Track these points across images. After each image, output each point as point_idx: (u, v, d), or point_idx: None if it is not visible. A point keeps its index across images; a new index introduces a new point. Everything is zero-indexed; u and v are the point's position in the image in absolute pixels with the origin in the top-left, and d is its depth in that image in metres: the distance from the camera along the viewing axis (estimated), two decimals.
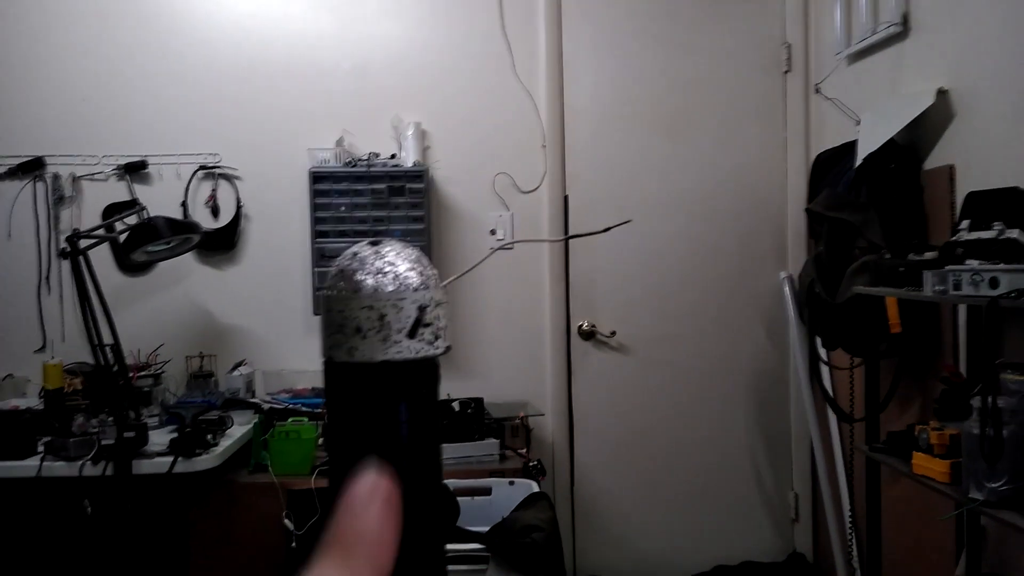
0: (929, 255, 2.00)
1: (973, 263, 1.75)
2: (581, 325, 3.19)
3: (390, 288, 0.71)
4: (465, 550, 2.09)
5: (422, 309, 0.71)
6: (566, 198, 3.17)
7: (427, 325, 0.71)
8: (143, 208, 2.70)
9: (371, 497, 0.36)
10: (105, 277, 2.69)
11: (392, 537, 0.36)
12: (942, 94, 2.24)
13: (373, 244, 0.75)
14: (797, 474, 3.22)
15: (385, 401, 0.68)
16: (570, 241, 3.18)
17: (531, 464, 2.69)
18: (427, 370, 0.72)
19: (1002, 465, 1.63)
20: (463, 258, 3.08)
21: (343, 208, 2.96)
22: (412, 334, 0.70)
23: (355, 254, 0.74)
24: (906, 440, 2.03)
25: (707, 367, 3.22)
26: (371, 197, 2.96)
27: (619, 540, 3.21)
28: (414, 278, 0.72)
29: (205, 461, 2.38)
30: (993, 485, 1.66)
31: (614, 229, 0.68)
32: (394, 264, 0.72)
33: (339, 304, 0.70)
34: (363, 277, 0.71)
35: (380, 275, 0.71)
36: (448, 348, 0.73)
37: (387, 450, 0.68)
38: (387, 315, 0.69)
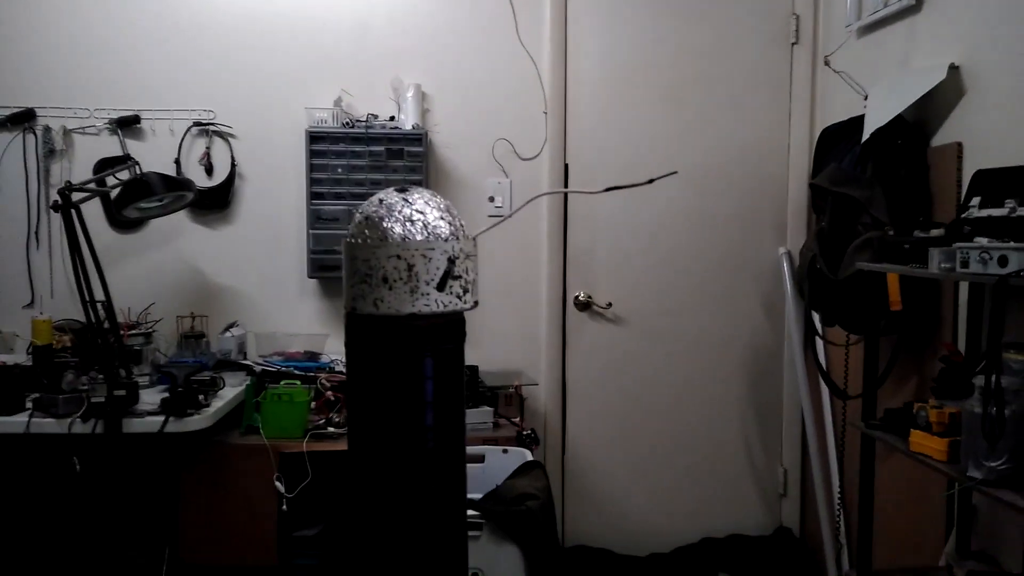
0: (935, 232, 1.98)
1: (982, 241, 1.73)
2: (577, 296, 3.17)
3: (419, 237, 0.68)
4: None
5: (452, 260, 0.68)
6: (566, 166, 3.14)
7: (456, 278, 0.68)
8: (136, 163, 2.63)
9: None
10: (96, 233, 2.63)
11: None
12: (954, 70, 2.21)
13: (401, 191, 0.71)
14: (787, 449, 3.24)
15: (411, 356, 0.65)
16: (569, 212, 3.15)
17: (525, 433, 2.69)
18: (455, 325, 0.69)
19: (1002, 444, 1.63)
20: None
21: (340, 170, 2.91)
22: (441, 286, 0.67)
23: (381, 200, 0.71)
24: (903, 418, 2.03)
25: (701, 340, 3.21)
26: (369, 159, 2.91)
27: (608, 510, 3.23)
28: (444, 227, 0.69)
29: (197, 422, 2.36)
30: (993, 464, 1.65)
31: (657, 181, 0.65)
32: (423, 212, 0.69)
33: (364, 253, 0.67)
34: (391, 224, 0.68)
35: (409, 223, 0.68)
36: (476, 303, 0.70)
37: (411, 408, 0.65)
38: (416, 265, 0.66)
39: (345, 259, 0.64)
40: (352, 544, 0.65)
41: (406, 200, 0.64)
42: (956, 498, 2.09)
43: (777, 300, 3.18)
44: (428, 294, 0.61)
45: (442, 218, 0.64)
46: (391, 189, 0.67)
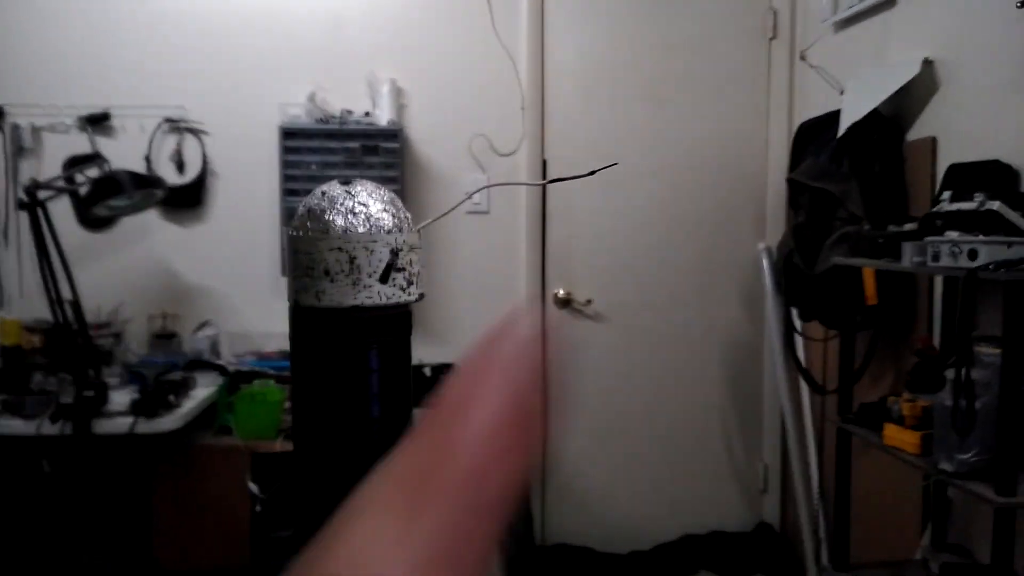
0: (909, 226, 1.98)
1: (953, 234, 1.73)
2: (557, 293, 3.16)
3: (361, 229, 0.66)
4: None
5: (395, 253, 0.66)
6: (544, 162, 3.12)
7: (400, 270, 0.66)
8: (105, 161, 2.59)
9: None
10: (66, 233, 2.58)
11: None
12: (927, 64, 2.21)
13: (344, 183, 0.69)
14: (767, 445, 3.24)
15: (355, 348, 0.63)
16: (548, 208, 3.13)
17: None
18: (399, 317, 0.67)
19: (973, 437, 1.63)
20: (439, 223, 3.01)
21: (314, 166, 2.88)
22: (384, 279, 0.65)
23: (324, 193, 0.68)
24: (878, 412, 2.03)
25: (682, 337, 3.20)
26: (344, 156, 2.88)
27: (588, 508, 3.21)
28: (387, 220, 0.67)
29: (167, 422, 2.32)
30: (963, 457, 1.66)
31: (603, 170, 0.63)
32: (366, 205, 0.67)
33: (307, 245, 0.65)
34: (333, 217, 0.66)
35: (351, 215, 0.66)
36: (422, 295, 0.68)
37: (356, 401, 0.63)
38: (358, 258, 0.64)
39: (288, 252, 0.62)
40: (304, 537, 0.62)
41: (349, 192, 0.62)
42: (931, 491, 2.10)
43: (757, 296, 3.18)
44: (371, 286, 0.59)
45: (385, 210, 0.62)
46: (334, 181, 0.65)
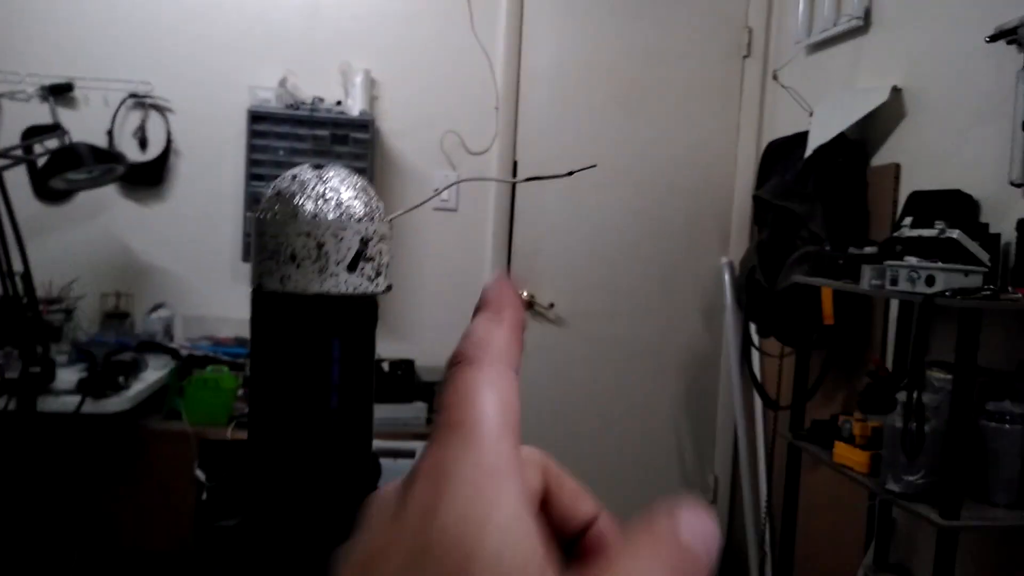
0: (869, 250, 2.01)
1: (911, 260, 1.77)
2: (520, 295, 3.15)
3: (331, 216, 0.64)
4: None
5: (365, 242, 0.64)
6: (515, 163, 3.11)
7: (369, 259, 0.65)
8: (66, 133, 2.52)
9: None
10: (21, 204, 2.50)
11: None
12: (896, 92, 2.26)
13: (316, 168, 0.68)
14: (719, 458, 3.27)
15: (317, 337, 0.62)
16: (516, 209, 3.12)
17: None
18: (365, 308, 0.65)
19: (920, 460, 1.66)
20: (405, 218, 2.99)
21: (281, 152, 2.83)
22: (352, 267, 0.64)
23: (295, 176, 0.67)
24: (829, 429, 2.06)
25: (641, 346, 3.22)
26: (312, 143, 2.84)
27: None
28: (358, 207, 0.66)
29: (115, 403, 2.26)
30: (910, 478, 1.69)
31: (577, 174, 0.62)
32: (337, 191, 0.65)
33: (273, 228, 0.63)
34: (302, 201, 0.64)
35: (321, 201, 0.64)
36: (389, 287, 0.66)
37: (316, 392, 0.62)
38: (326, 244, 0.63)
39: (254, 234, 0.59)
40: (257, 526, 0.61)
41: (320, 177, 0.61)
42: (875, 511, 2.14)
43: (717, 309, 3.21)
44: (338, 275, 0.57)
45: (357, 198, 0.60)
46: (306, 165, 0.63)
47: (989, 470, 1.67)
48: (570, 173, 0.66)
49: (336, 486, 0.66)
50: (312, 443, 0.63)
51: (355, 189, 0.67)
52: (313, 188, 0.65)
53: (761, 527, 2.89)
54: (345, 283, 0.63)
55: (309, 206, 0.64)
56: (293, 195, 0.65)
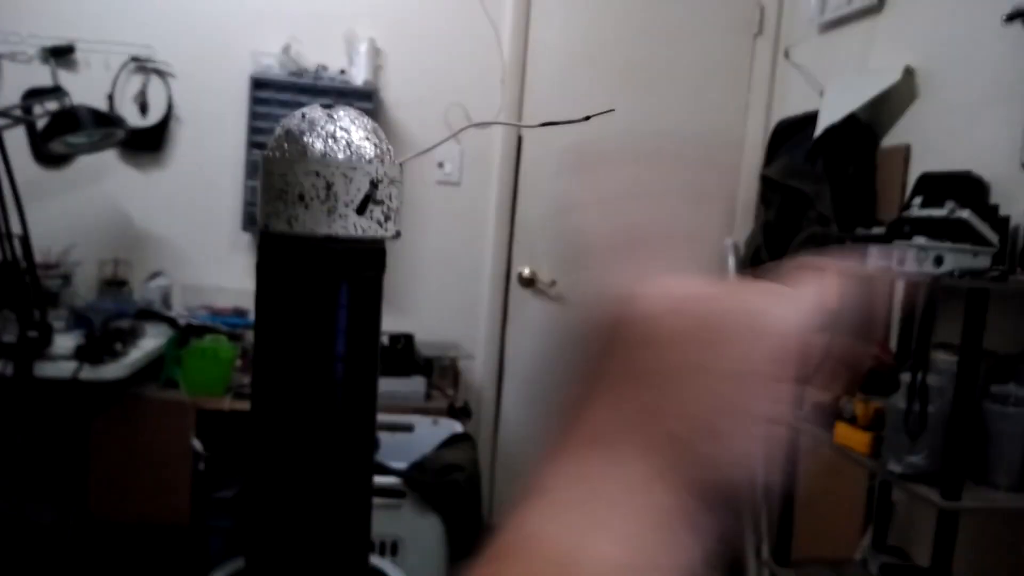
0: (876, 230, 2.00)
1: (920, 240, 1.75)
2: (522, 272, 3.13)
3: (341, 156, 0.62)
4: (382, 484, 2.03)
5: (375, 184, 0.62)
6: (520, 137, 3.08)
7: (379, 203, 0.63)
8: (66, 95, 2.48)
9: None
10: (20, 167, 2.47)
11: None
12: (908, 72, 2.23)
13: (326, 107, 0.65)
14: None
15: (325, 280, 0.60)
16: (519, 184, 3.09)
17: (458, 406, 2.65)
18: (374, 253, 0.63)
19: (923, 441, 1.65)
20: (407, 189, 2.95)
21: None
22: (361, 210, 0.62)
23: (304, 115, 0.64)
24: (830, 411, 2.04)
25: None
26: None
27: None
28: (369, 149, 0.63)
29: (112, 370, 2.24)
30: (912, 459, 1.68)
31: (593, 119, 0.60)
32: (347, 130, 0.63)
33: (281, 167, 0.61)
34: (312, 140, 0.62)
35: (332, 140, 0.62)
36: (398, 233, 0.64)
37: (323, 337, 0.60)
38: (335, 184, 0.60)
39: (261, 174, 0.57)
40: (256, 479, 0.59)
41: (330, 116, 0.58)
42: (875, 493, 2.13)
43: None
44: (346, 216, 0.55)
45: (367, 139, 0.58)
46: (316, 104, 0.60)
47: (991, 452, 1.66)
48: (587, 118, 0.64)
49: (342, 436, 0.64)
50: (317, 388, 0.61)
51: (365, 130, 0.64)
52: (323, 127, 0.63)
53: (758, 507, 2.88)
54: (354, 226, 0.61)
55: (319, 145, 0.62)
56: (302, 133, 0.63)
